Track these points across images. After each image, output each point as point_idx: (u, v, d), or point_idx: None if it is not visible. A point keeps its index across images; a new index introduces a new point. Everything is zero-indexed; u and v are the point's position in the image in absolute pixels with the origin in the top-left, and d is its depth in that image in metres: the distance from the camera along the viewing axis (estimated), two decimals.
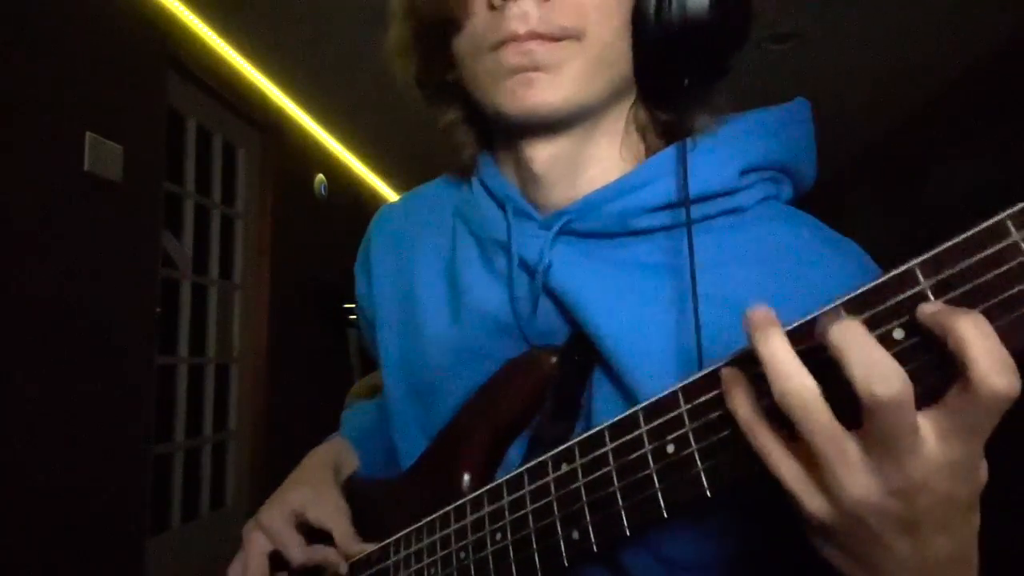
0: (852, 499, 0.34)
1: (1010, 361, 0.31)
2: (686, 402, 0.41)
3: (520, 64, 0.53)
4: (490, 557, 0.51)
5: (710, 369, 0.40)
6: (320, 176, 4.04)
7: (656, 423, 0.43)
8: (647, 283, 0.55)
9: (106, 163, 2.18)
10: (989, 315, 0.31)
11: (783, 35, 2.97)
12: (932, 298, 0.33)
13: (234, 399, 3.27)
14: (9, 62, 1.85)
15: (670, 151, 0.57)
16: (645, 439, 0.43)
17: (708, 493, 0.40)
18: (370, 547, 0.63)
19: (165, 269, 2.66)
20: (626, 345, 0.53)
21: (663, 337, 0.53)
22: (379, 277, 0.72)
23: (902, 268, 0.34)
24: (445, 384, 0.63)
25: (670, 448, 0.41)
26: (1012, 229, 0.31)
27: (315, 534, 0.66)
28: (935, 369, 0.32)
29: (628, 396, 0.53)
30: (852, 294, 0.35)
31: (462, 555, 0.54)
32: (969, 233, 0.32)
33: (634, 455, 0.43)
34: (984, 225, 0.32)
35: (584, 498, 0.46)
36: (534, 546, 0.48)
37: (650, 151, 0.60)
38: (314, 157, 4.02)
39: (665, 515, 0.41)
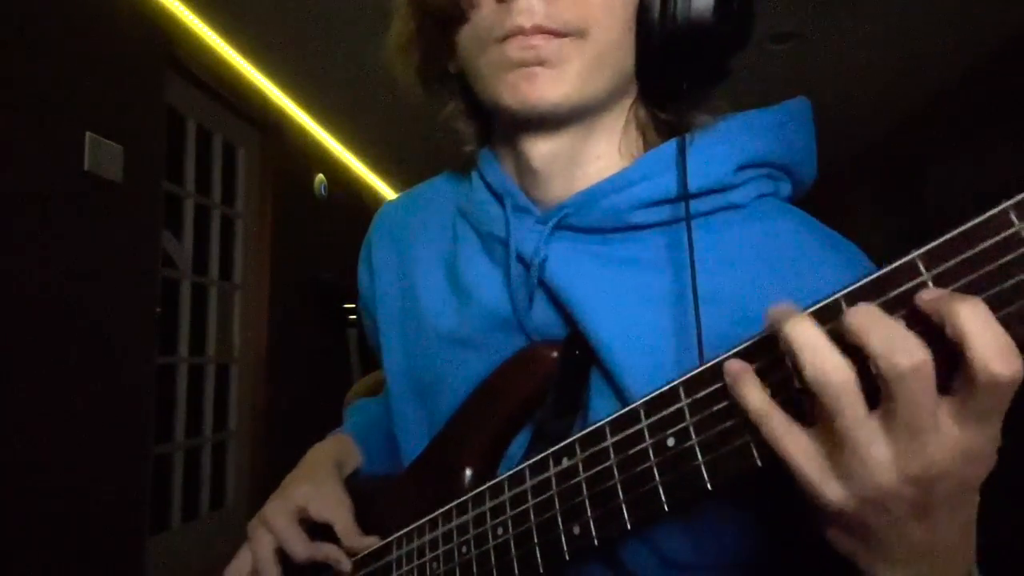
0: (873, 484, 0.34)
1: (1012, 346, 0.31)
2: (687, 395, 0.41)
3: (523, 58, 0.53)
4: (491, 552, 0.51)
5: (712, 363, 0.40)
6: (320, 176, 4.04)
7: (657, 417, 0.43)
8: (643, 279, 0.55)
9: (106, 163, 2.18)
10: (992, 304, 0.31)
11: (783, 35, 2.98)
12: (932, 287, 0.33)
13: (234, 399, 3.27)
14: (9, 62, 1.86)
15: (667, 147, 0.57)
16: (646, 433, 0.43)
17: (708, 486, 0.40)
18: (372, 541, 0.63)
19: (165, 269, 2.66)
20: (619, 341, 0.53)
21: (657, 334, 0.53)
22: (381, 274, 0.72)
23: (903, 259, 0.34)
24: (446, 379, 0.64)
25: (671, 441, 0.41)
26: (1014, 219, 0.31)
27: (318, 529, 0.66)
28: (940, 358, 0.32)
29: (621, 394, 0.53)
30: (853, 285, 0.35)
31: (464, 550, 0.54)
32: (971, 223, 0.32)
33: (635, 449, 0.43)
34: (986, 215, 0.32)
35: (585, 492, 0.46)
36: (535, 540, 0.48)
37: (648, 149, 0.60)
38: (314, 157, 4.03)
39: (666, 509, 0.41)
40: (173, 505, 2.80)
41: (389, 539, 0.62)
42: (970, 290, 0.32)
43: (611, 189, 0.56)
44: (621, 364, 0.52)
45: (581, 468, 0.47)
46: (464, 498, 0.55)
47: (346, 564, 0.63)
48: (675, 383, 0.42)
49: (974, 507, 0.38)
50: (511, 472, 0.52)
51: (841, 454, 0.35)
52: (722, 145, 0.56)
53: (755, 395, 0.37)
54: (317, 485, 0.68)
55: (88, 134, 2.11)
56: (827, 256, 0.54)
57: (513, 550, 0.50)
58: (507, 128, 0.60)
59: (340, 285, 3.79)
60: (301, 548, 0.64)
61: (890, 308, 0.34)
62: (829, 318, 0.35)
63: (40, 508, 1.94)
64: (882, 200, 4.43)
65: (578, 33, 0.53)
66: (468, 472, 0.59)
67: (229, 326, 3.25)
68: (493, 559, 0.51)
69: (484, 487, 0.54)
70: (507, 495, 0.51)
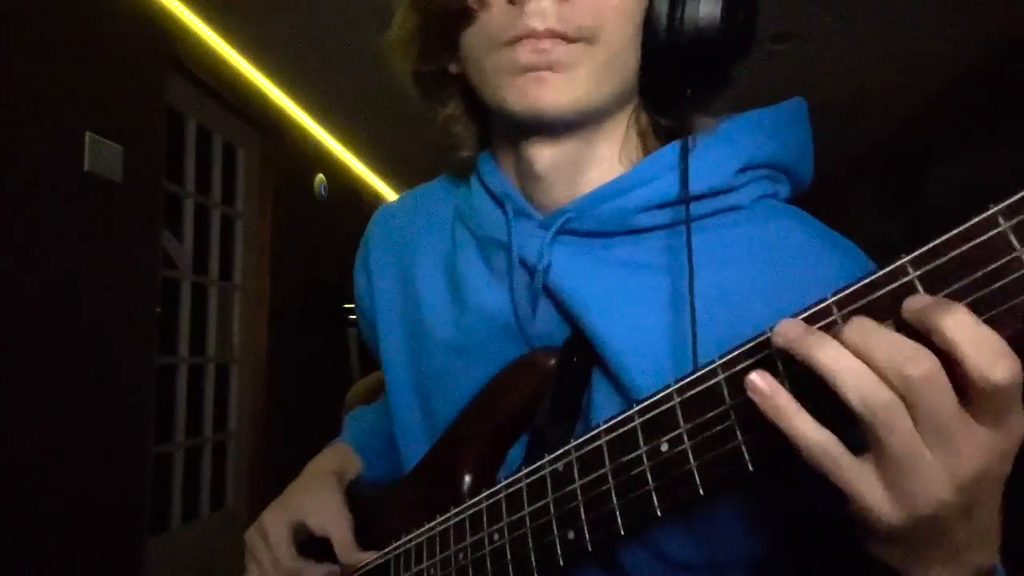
0: (929, 500, 0.34)
1: (1004, 349, 0.31)
2: (680, 400, 0.41)
3: (533, 62, 0.53)
4: (487, 557, 0.52)
5: (706, 369, 0.41)
6: (320, 176, 4.04)
7: (650, 421, 0.43)
8: (646, 283, 0.55)
9: (106, 163, 2.19)
10: (981, 305, 0.32)
11: (783, 35, 2.97)
12: (921, 291, 0.33)
13: (234, 399, 3.27)
14: (9, 62, 1.86)
15: (668, 150, 0.57)
16: (639, 438, 0.43)
17: (700, 491, 0.40)
18: (368, 556, 0.63)
19: (165, 269, 2.66)
20: (624, 346, 0.53)
21: (662, 337, 0.53)
22: (380, 278, 0.72)
23: (894, 265, 0.34)
24: (447, 385, 0.64)
25: (664, 447, 0.42)
26: (1001, 221, 0.31)
27: (314, 541, 0.66)
28: (944, 362, 0.32)
29: (627, 397, 0.53)
30: (845, 291, 0.35)
31: (460, 556, 0.54)
32: (960, 228, 0.32)
33: (628, 454, 0.44)
34: (975, 220, 0.32)
35: (580, 497, 0.46)
36: (530, 545, 0.49)
37: (648, 154, 0.60)
38: (314, 157, 4.03)
39: (659, 513, 0.42)
40: (173, 505, 2.80)
41: (387, 548, 0.62)
42: (960, 293, 0.32)
43: (614, 192, 0.56)
44: (629, 368, 0.52)
45: (576, 473, 0.47)
46: (462, 505, 0.55)
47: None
48: (668, 387, 0.42)
49: (1001, 494, 0.37)
50: (508, 478, 0.52)
51: (898, 475, 0.34)
52: (723, 147, 0.56)
53: (811, 428, 0.35)
54: (316, 497, 0.69)
55: (88, 134, 2.11)
56: (829, 256, 0.54)
57: (508, 555, 0.50)
58: (509, 132, 0.60)
59: (340, 285, 3.79)
60: (288, 564, 0.66)
61: (880, 313, 0.34)
62: (820, 320, 0.35)
63: (40, 508, 1.94)
64: (882, 200, 4.42)
65: (589, 38, 0.53)
66: (467, 479, 0.59)
67: (229, 326, 3.25)
68: (489, 564, 0.51)
69: (482, 493, 0.54)
70: (503, 501, 0.52)
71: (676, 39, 0.53)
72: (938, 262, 0.33)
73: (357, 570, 0.64)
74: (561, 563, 0.47)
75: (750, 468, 0.38)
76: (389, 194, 5.19)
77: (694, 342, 0.48)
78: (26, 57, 1.91)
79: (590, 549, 0.45)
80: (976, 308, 0.32)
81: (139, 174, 2.35)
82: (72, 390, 2.07)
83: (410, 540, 0.60)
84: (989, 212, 0.32)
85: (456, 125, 0.65)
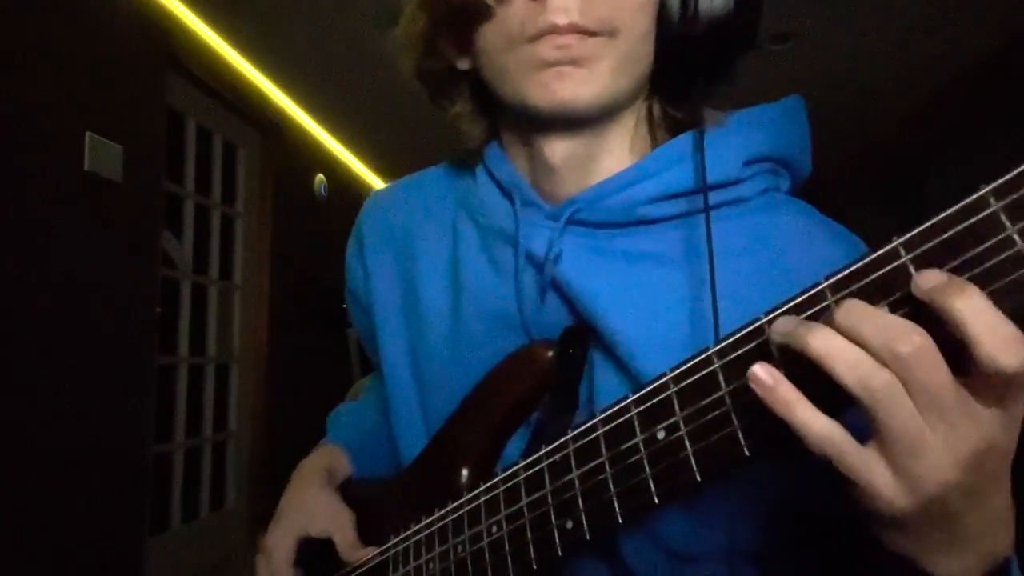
0: (935, 480, 0.33)
1: (1016, 336, 0.31)
2: (676, 388, 0.41)
3: (556, 58, 0.53)
4: (486, 549, 0.51)
5: (701, 356, 0.41)
6: (320, 176, 4.05)
7: (646, 410, 0.43)
8: (656, 273, 0.55)
9: (106, 163, 2.19)
10: (974, 284, 0.32)
11: (783, 35, 2.98)
12: (914, 272, 0.33)
13: (234, 399, 3.28)
14: (9, 62, 1.86)
15: (679, 141, 0.57)
16: (636, 426, 0.43)
17: (698, 477, 0.40)
18: (371, 552, 0.63)
19: (165, 269, 2.66)
20: (636, 336, 0.53)
21: (672, 328, 0.53)
22: (376, 268, 0.71)
23: (886, 247, 0.34)
24: (447, 377, 0.63)
25: (660, 434, 0.42)
26: (992, 201, 0.32)
27: (315, 543, 0.67)
28: (945, 340, 0.32)
29: (635, 386, 0.53)
30: (839, 274, 0.35)
31: (459, 549, 0.54)
32: (952, 209, 0.33)
33: (625, 442, 0.44)
34: (967, 200, 0.32)
35: (577, 487, 0.46)
36: (528, 536, 0.49)
37: (657, 146, 0.60)
38: (314, 157, 4.03)
39: (656, 501, 0.42)
40: (173, 505, 2.80)
41: (387, 544, 0.62)
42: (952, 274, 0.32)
43: (625, 183, 0.56)
44: (640, 358, 0.52)
45: (573, 463, 0.47)
46: (461, 498, 0.55)
47: None
48: (664, 375, 0.42)
49: (1009, 470, 0.37)
50: (506, 470, 0.52)
51: (903, 456, 0.34)
52: (731, 139, 0.56)
53: (814, 417, 0.35)
54: (315, 502, 0.69)
55: (88, 134, 2.11)
56: (833, 247, 0.55)
57: (507, 546, 0.50)
58: (523, 126, 0.60)
59: (340, 286, 3.78)
60: None
61: (874, 295, 0.34)
62: (815, 304, 0.35)
63: (40, 508, 1.94)
64: (882, 200, 4.42)
65: (610, 32, 0.53)
66: (465, 472, 0.59)
67: (229, 326, 3.25)
68: (487, 556, 0.51)
69: (480, 486, 0.54)
70: (501, 493, 0.52)
71: (691, 28, 0.54)
72: (930, 244, 0.33)
73: (357, 567, 0.64)
74: (560, 553, 0.47)
75: (746, 453, 0.38)
76: None
77: (716, 329, 0.48)
78: (26, 57, 1.92)
79: (588, 538, 0.45)
80: None
81: (139, 174, 2.35)
82: (72, 390, 2.07)
83: (409, 535, 0.60)
84: (980, 193, 0.32)
85: (465, 122, 0.65)
